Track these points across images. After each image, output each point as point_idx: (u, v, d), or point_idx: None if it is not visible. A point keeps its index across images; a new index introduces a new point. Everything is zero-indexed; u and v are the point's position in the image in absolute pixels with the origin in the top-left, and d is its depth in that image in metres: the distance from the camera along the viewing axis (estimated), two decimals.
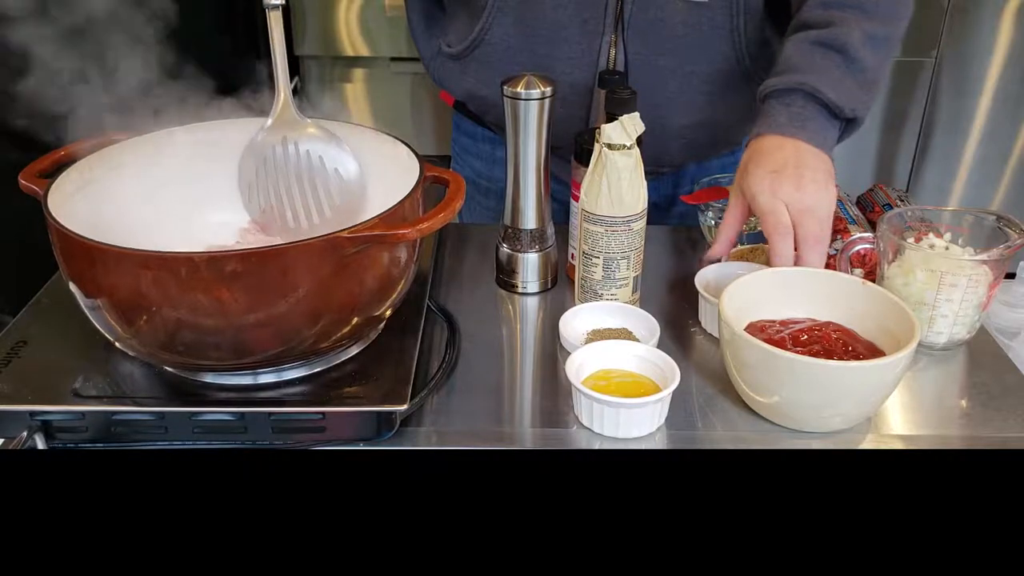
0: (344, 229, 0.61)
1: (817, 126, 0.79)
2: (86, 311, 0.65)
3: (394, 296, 0.70)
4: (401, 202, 0.65)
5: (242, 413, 0.65)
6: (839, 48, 0.81)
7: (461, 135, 1.13)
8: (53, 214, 0.63)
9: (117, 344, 0.67)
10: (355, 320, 0.67)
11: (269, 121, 0.76)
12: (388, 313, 0.71)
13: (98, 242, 0.59)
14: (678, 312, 0.84)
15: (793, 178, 0.75)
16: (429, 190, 0.71)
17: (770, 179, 0.76)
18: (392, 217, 0.63)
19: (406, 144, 0.76)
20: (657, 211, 1.10)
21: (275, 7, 0.73)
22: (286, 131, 0.76)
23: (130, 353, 0.67)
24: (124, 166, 0.74)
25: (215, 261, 0.58)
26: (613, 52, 0.93)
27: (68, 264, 0.64)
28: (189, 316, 0.60)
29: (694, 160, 1.05)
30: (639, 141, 0.76)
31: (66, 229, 0.61)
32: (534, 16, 0.93)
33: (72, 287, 0.65)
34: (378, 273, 0.66)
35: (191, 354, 0.64)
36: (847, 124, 0.81)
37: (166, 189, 0.78)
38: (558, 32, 0.93)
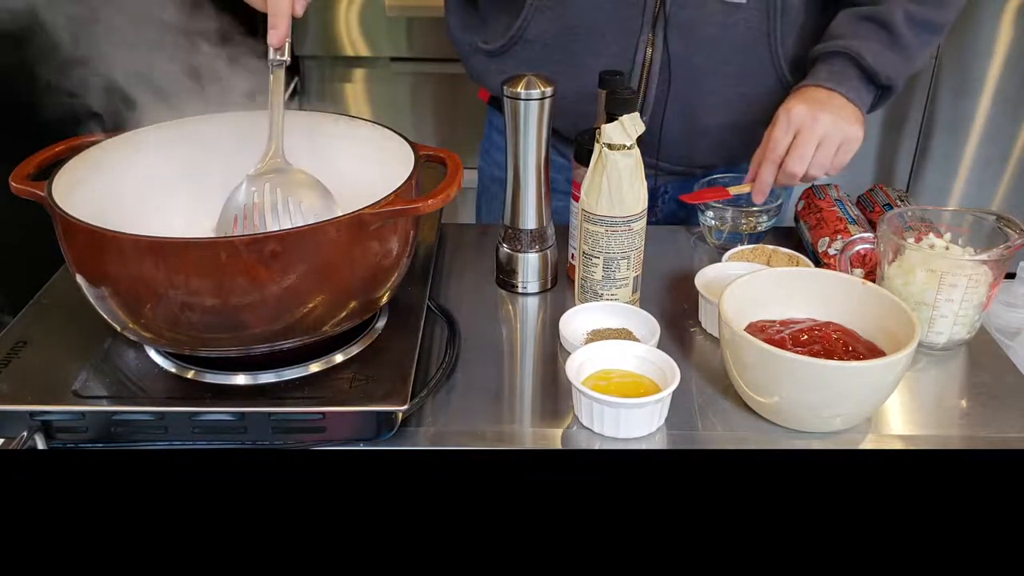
0: (366, 206, 0.64)
1: (853, 85, 0.88)
2: (95, 302, 0.66)
3: (396, 276, 0.72)
4: (408, 179, 0.68)
5: (242, 413, 0.65)
6: (883, 23, 0.90)
7: (493, 131, 1.14)
8: (71, 212, 0.63)
9: (129, 330, 0.67)
10: (373, 295, 0.70)
11: (255, 168, 0.75)
12: (395, 285, 0.73)
13: (144, 236, 0.60)
14: (678, 312, 0.84)
15: (815, 108, 0.85)
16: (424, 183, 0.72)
17: (796, 105, 0.86)
18: (405, 193, 0.66)
19: (399, 133, 0.77)
20: (685, 211, 1.10)
21: (280, 64, 0.73)
22: (271, 176, 0.75)
23: (146, 335, 0.67)
24: (105, 165, 0.74)
25: (255, 243, 0.60)
26: (650, 51, 0.94)
27: (92, 260, 0.64)
28: (223, 297, 0.62)
29: (724, 162, 1.05)
30: (639, 141, 0.76)
31: (95, 226, 0.61)
32: (572, 15, 0.94)
33: (80, 279, 0.65)
34: (389, 248, 0.68)
35: (215, 335, 0.65)
36: (882, 92, 0.91)
37: (148, 185, 0.78)
38: (596, 30, 0.94)
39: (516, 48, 0.98)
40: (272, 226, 0.73)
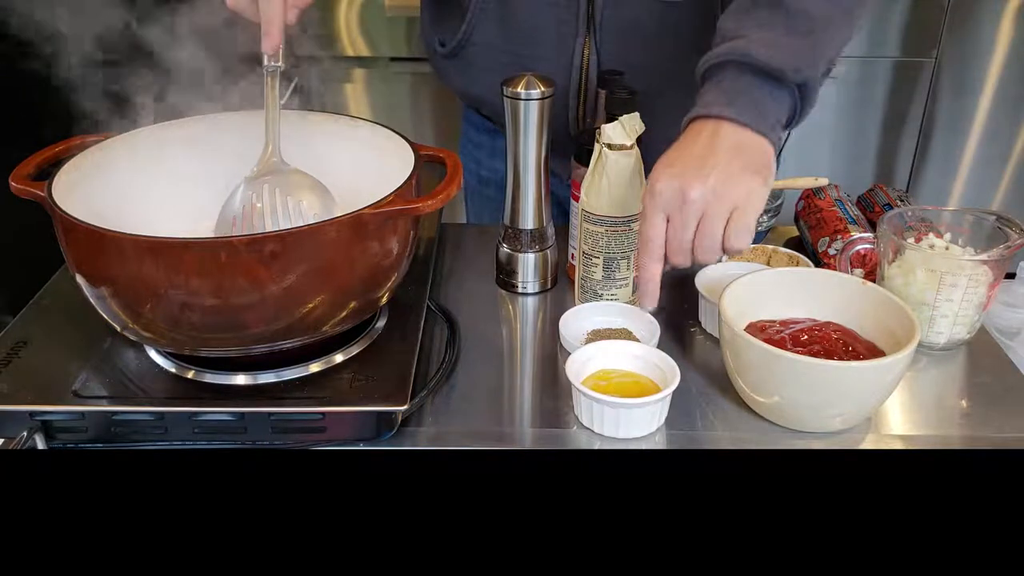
0: (366, 206, 0.63)
1: (749, 100, 0.68)
2: (95, 302, 0.66)
3: (396, 276, 0.71)
4: (408, 180, 0.68)
5: (242, 413, 0.65)
6: (774, 4, 0.70)
7: (468, 126, 1.15)
8: (71, 212, 0.63)
9: (129, 330, 0.67)
10: (373, 295, 0.70)
11: (253, 169, 0.75)
12: (395, 285, 0.73)
13: (144, 236, 0.60)
14: (678, 312, 0.84)
15: (684, 177, 0.65)
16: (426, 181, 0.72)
17: (659, 179, 0.66)
18: (405, 193, 0.66)
19: (399, 133, 0.77)
20: None
21: (274, 70, 0.73)
22: (269, 178, 0.75)
23: (146, 335, 0.67)
24: (105, 165, 0.74)
25: (255, 243, 0.60)
26: (586, 52, 0.93)
27: (92, 260, 0.64)
28: (223, 297, 0.62)
29: None
30: (639, 141, 0.76)
31: (95, 226, 0.61)
32: (513, 18, 0.94)
33: (80, 279, 0.65)
34: (389, 248, 0.68)
35: (215, 335, 0.65)
36: (800, 89, 0.69)
37: (148, 185, 0.78)
38: (536, 34, 0.94)
39: (466, 50, 0.98)
40: (272, 228, 0.73)
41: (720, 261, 0.79)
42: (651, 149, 0.99)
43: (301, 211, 0.74)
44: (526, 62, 0.95)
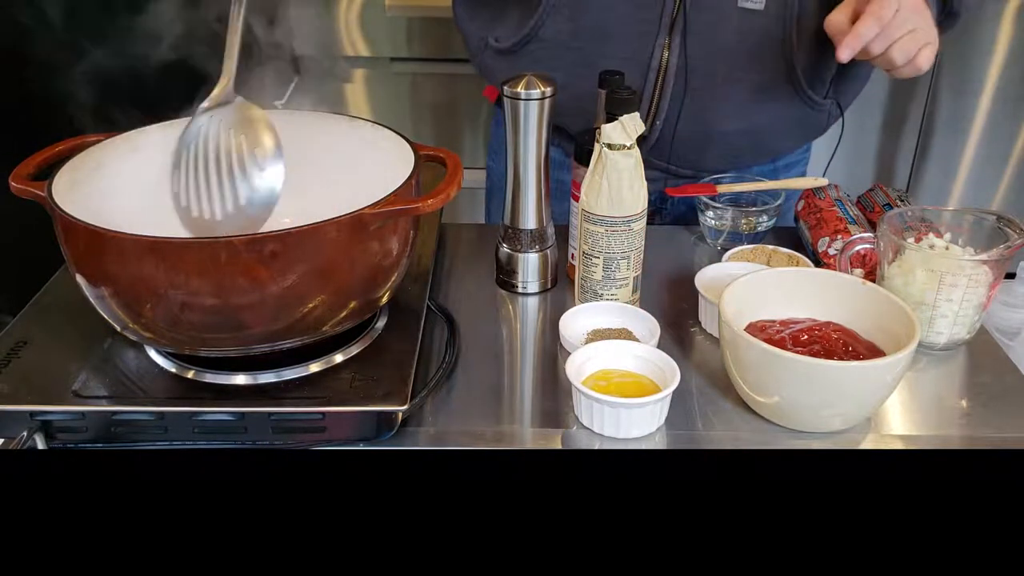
0: (366, 206, 0.63)
1: None
2: (95, 302, 0.66)
3: (396, 276, 0.71)
4: (408, 180, 0.68)
5: (242, 413, 0.65)
6: None
7: (498, 127, 1.14)
8: (71, 212, 0.63)
9: (129, 330, 0.67)
10: (373, 295, 0.70)
11: (205, 103, 0.74)
12: (395, 285, 0.73)
13: (144, 236, 0.60)
14: (678, 312, 0.84)
15: (917, 4, 0.79)
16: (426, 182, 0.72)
17: None
18: (405, 193, 0.66)
19: (399, 133, 0.77)
20: (693, 215, 1.10)
21: None
22: (215, 110, 0.73)
23: (146, 335, 0.67)
24: (105, 165, 0.74)
25: (255, 243, 0.60)
26: (666, 54, 0.93)
27: (92, 260, 0.64)
28: (223, 298, 0.62)
29: (733, 168, 1.04)
30: (639, 141, 0.76)
31: (95, 226, 0.61)
32: (588, 15, 0.93)
33: (80, 279, 0.65)
34: (389, 248, 0.68)
35: (215, 335, 0.65)
36: (947, 17, 0.88)
37: (148, 185, 0.77)
38: (611, 31, 0.93)
39: (530, 47, 0.97)
40: (225, 168, 0.72)
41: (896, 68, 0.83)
42: (711, 152, 1.00)
43: (243, 143, 0.72)
44: (596, 60, 0.93)
